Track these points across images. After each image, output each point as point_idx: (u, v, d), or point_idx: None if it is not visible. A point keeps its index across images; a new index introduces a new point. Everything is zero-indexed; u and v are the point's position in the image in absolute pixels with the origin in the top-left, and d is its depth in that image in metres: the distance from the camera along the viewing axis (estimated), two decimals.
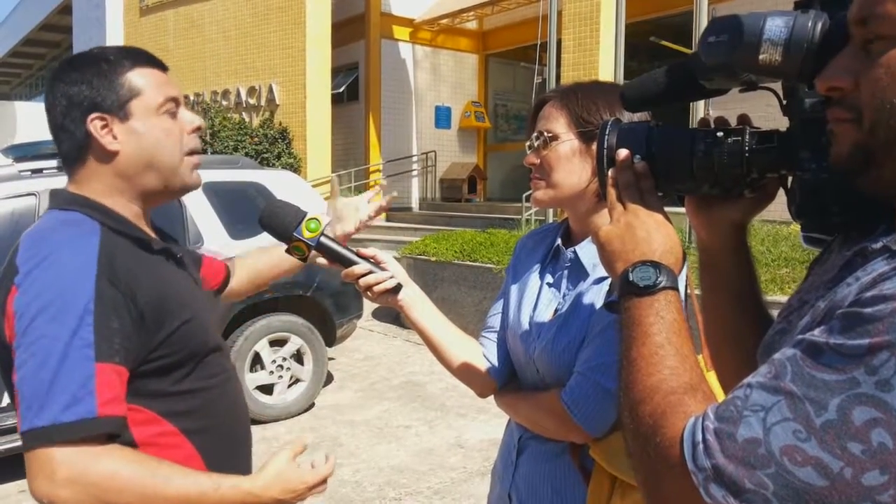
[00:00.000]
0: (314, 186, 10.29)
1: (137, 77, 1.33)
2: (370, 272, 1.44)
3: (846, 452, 0.60)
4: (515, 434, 1.55)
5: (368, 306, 7.22)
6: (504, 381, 1.57)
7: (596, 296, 1.40)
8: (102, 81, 1.30)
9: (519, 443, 1.54)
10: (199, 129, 1.41)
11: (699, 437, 0.68)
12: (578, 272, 1.46)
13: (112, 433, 1.18)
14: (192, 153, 1.39)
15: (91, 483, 1.12)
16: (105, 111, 1.30)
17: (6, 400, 3.91)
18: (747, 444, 0.65)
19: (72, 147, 1.33)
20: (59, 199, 1.34)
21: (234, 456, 1.45)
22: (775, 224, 6.75)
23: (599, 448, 1.37)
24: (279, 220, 1.44)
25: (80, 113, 1.30)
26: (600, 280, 1.40)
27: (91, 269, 1.20)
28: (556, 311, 1.47)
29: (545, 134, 1.43)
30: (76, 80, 1.31)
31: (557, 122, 1.43)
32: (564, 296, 1.47)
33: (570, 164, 1.42)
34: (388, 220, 14.20)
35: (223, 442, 1.41)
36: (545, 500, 1.46)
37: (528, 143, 1.49)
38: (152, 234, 1.40)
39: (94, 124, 1.29)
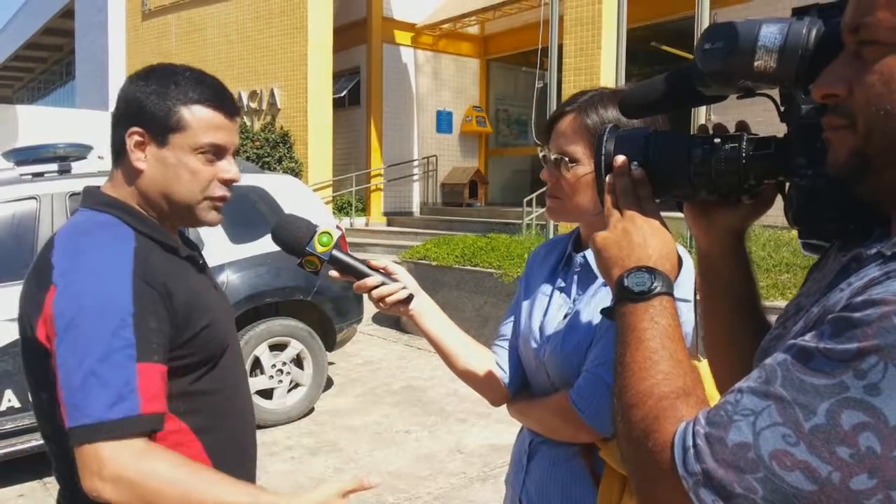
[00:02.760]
0: (315, 191, 10.30)
1: (193, 113, 1.34)
2: (382, 283, 1.46)
3: (834, 457, 0.60)
4: (526, 439, 1.56)
5: (368, 311, 7.22)
6: (516, 390, 1.57)
7: (604, 297, 1.40)
8: (160, 102, 1.33)
9: (530, 447, 1.54)
10: (231, 181, 1.41)
11: (690, 441, 0.68)
12: (588, 276, 1.46)
13: (157, 429, 1.22)
14: (210, 199, 1.40)
15: (135, 481, 1.15)
16: (148, 130, 1.33)
17: (6, 404, 3.91)
18: (737, 449, 0.65)
19: (115, 145, 1.38)
20: (94, 200, 1.39)
21: (240, 457, 1.47)
22: (776, 229, 6.75)
23: (609, 448, 1.37)
24: (291, 235, 1.46)
25: (128, 120, 1.34)
26: (605, 281, 1.40)
27: (127, 271, 1.25)
28: (566, 315, 1.47)
29: (563, 158, 1.42)
30: (141, 88, 1.35)
31: (576, 146, 1.41)
32: (574, 300, 1.47)
33: (588, 190, 1.40)
34: (389, 224, 14.23)
35: (230, 443, 1.44)
36: (556, 503, 1.46)
37: (542, 155, 1.47)
38: (179, 241, 1.45)
39: (132, 138, 1.34)
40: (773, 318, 0.94)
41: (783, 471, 0.62)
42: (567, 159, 1.41)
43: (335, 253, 1.45)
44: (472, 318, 7.17)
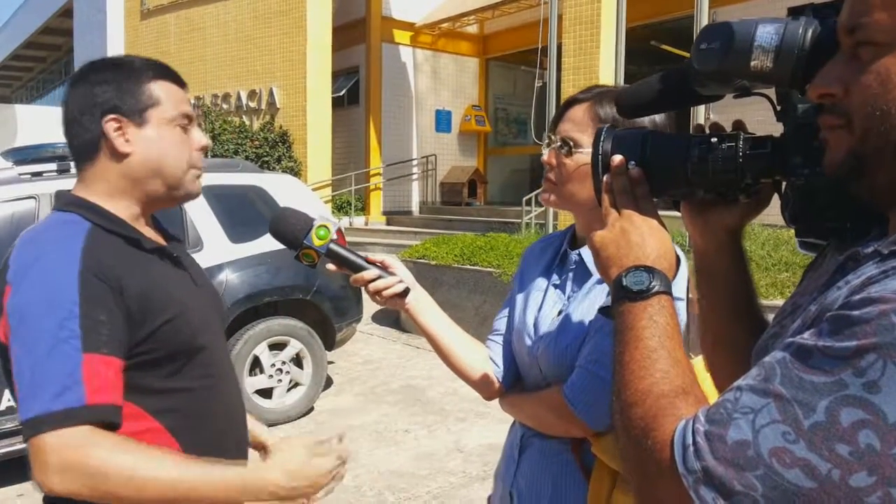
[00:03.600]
0: (314, 190, 10.31)
1: (158, 88, 1.38)
2: (379, 277, 1.47)
3: (834, 454, 0.61)
4: (518, 433, 1.57)
5: (368, 310, 7.22)
6: (509, 384, 1.58)
7: (599, 295, 1.41)
8: (126, 86, 1.36)
9: (521, 441, 1.55)
10: (205, 147, 1.46)
11: (689, 439, 0.68)
12: (583, 273, 1.47)
13: (107, 421, 1.20)
14: (194, 167, 1.44)
15: (80, 470, 1.14)
16: (123, 114, 1.35)
17: (4, 403, 3.91)
18: (737, 447, 0.65)
19: (83, 143, 1.38)
20: (61, 201, 1.39)
21: (222, 458, 1.44)
22: (776, 228, 6.76)
23: (601, 444, 1.38)
24: (289, 229, 1.47)
25: (100, 111, 1.35)
26: (604, 280, 1.41)
27: (74, 265, 1.24)
28: (560, 312, 1.48)
29: (569, 143, 1.43)
30: (101, 81, 1.36)
31: (585, 133, 1.41)
32: (569, 297, 1.48)
33: (585, 181, 1.40)
34: (388, 223, 14.23)
35: (212, 444, 1.41)
36: (545, 496, 1.47)
37: (547, 140, 1.48)
38: (149, 234, 1.44)
39: (110, 125, 1.34)
40: (771, 317, 0.95)
41: (783, 468, 0.62)
42: (572, 145, 1.42)
43: (332, 246, 1.46)
44: (470, 317, 7.17)
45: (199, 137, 1.45)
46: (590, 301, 1.42)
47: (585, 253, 1.47)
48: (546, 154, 1.48)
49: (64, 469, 1.14)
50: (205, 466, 1.24)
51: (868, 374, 0.60)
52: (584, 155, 1.40)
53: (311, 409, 5.43)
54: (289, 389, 5.29)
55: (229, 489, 1.23)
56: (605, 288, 1.40)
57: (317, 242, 1.45)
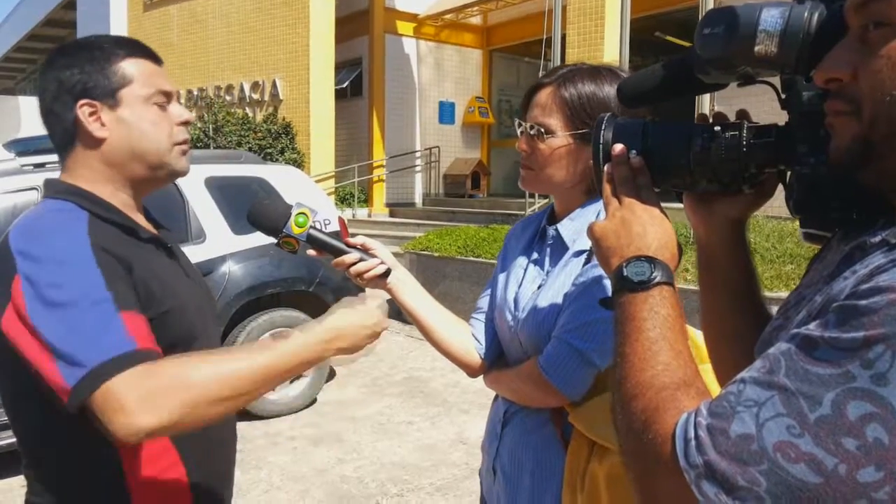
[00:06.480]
0: (318, 182, 10.29)
1: (130, 66, 1.33)
2: (360, 260, 1.49)
3: (840, 448, 0.59)
4: (501, 408, 1.59)
5: None
6: (492, 361, 1.60)
7: (575, 267, 1.43)
8: (95, 67, 1.31)
9: (504, 416, 1.57)
10: (187, 122, 1.42)
11: (691, 433, 0.67)
12: (560, 248, 1.48)
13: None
14: (180, 144, 1.40)
15: (167, 392, 1.07)
16: (95, 98, 1.31)
17: None
18: (740, 440, 0.63)
19: (60, 132, 1.34)
20: (51, 189, 1.36)
21: (211, 453, 1.43)
22: (780, 220, 6.73)
23: (578, 414, 1.39)
24: (267, 218, 1.47)
25: (71, 98, 1.30)
26: (580, 252, 1.43)
27: (84, 243, 1.21)
28: (539, 286, 1.50)
29: (540, 129, 1.44)
30: (68, 65, 1.31)
31: (553, 118, 1.43)
32: (548, 272, 1.50)
33: (561, 162, 1.45)
34: (391, 215, 14.22)
35: (203, 439, 1.37)
36: (526, 469, 1.48)
37: (520, 129, 1.48)
38: (143, 223, 1.41)
39: (83, 110, 1.30)
40: (775, 309, 0.93)
41: (788, 463, 0.61)
42: (543, 131, 1.44)
43: (312, 233, 1.46)
44: (473, 308, 7.15)
45: (179, 112, 1.40)
46: (566, 273, 1.44)
47: (562, 228, 1.49)
48: (519, 141, 1.50)
49: (151, 398, 1.05)
50: (264, 343, 1.21)
51: (876, 366, 0.58)
52: (556, 139, 1.43)
53: (314, 400, 5.43)
54: (292, 381, 5.28)
55: (298, 350, 1.22)
56: (580, 260, 1.43)
57: (296, 231, 1.45)
